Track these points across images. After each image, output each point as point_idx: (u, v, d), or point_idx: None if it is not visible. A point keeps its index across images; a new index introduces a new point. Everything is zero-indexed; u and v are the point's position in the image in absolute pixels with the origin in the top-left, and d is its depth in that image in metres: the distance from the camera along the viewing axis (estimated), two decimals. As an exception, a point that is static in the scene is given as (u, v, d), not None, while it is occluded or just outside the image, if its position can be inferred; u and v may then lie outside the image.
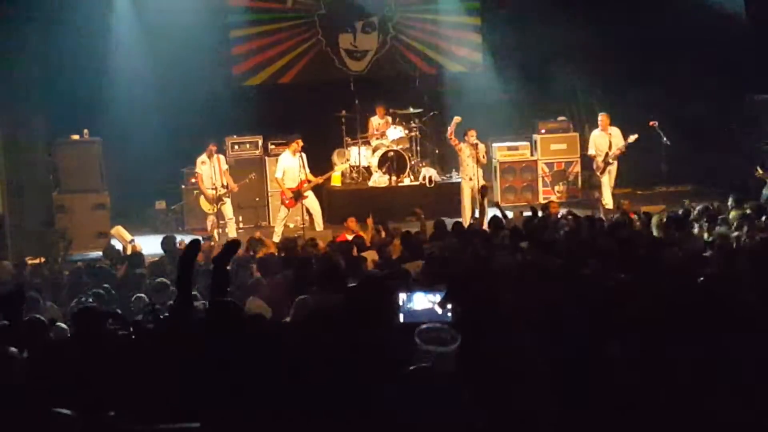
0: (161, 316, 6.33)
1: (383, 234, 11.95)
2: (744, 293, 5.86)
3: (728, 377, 4.34)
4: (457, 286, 5.31)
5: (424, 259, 8.92)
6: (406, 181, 16.53)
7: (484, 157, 15.09)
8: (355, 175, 16.86)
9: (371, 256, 10.15)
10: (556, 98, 17.85)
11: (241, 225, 15.68)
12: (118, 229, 14.27)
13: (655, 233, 10.01)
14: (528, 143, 17.54)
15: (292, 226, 15.12)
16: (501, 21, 17.79)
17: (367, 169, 16.76)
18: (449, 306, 5.11)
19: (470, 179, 14.92)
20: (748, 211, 10.64)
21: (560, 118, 17.72)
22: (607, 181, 15.44)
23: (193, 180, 15.52)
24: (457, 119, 15.09)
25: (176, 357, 4.88)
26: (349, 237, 12.19)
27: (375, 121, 17.03)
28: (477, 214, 14.30)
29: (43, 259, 12.32)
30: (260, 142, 16.80)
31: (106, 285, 9.31)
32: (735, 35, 16.31)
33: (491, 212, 13.32)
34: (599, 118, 15.68)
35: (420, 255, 9.44)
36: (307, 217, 14.90)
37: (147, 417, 4.26)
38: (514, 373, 4.18)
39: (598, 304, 5.52)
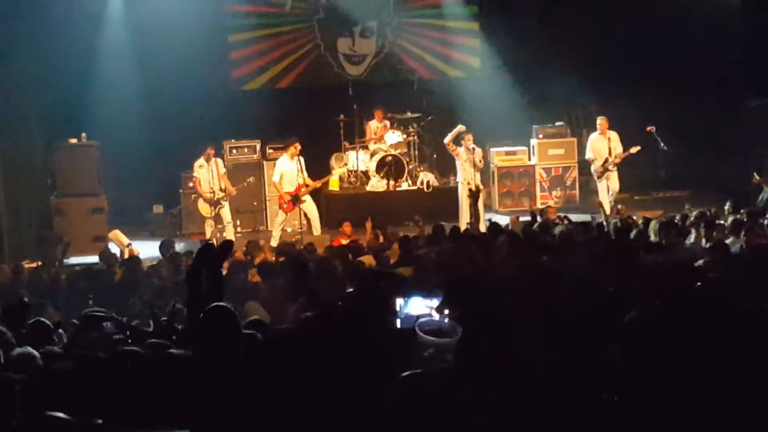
0: (161, 320, 6.33)
1: (381, 239, 11.94)
2: (741, 297, 5.86)
3: (728, 377, 4.34)
4: (454, 291, 5.30)
5: (415, 264, 8.91)
6: (404, 186, 16.53)
7: (481, 161, 15.08)
8: (353, 179, 16.86)
9: (368, 261, 10.15)
10: (554, 103, 17.87)
11: (239, 229, 15.66)
12: (116, 233, 14.26)
13: (652, 238, 10.03)
14: (526, 148, 17.57)
15: (289, 230, 15.11)
16: (499, 26, 17.81)
17: (365, 173, 16.75)
18: (446, 311, 5.10)
19: (468, 183, 14.90)
20: (744, 218, 10.65)
21: (558, 123, 17.75)
22: (604, 187, 15.34)
23: (191, 184, 15.51)
24: (460, 128, 15.01)
25: (176, 360, 4.88)
26: (344, 242, 12.19)
27: (373, 125, 17.03)
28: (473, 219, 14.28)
29: (40, 263, 12.30)
30: (258, 147, 16.80)
31: (103, 289, 9.30)
32: (733, 40, 16.34)
33: (488, 216, 13.32)
34: (598, 121, 15.62)
35: (415, 259, 9.43)
36: (304, 222, 14.89)
37: (143, 422, 4.26)
38: (512, 374, 4.17)
39: (597, 306, 5.52)
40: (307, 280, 8.16)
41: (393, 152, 16.51)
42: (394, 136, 16.71)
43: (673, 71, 16.77)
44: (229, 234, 14.77)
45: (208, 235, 14.74)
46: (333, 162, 17.05)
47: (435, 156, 17.34)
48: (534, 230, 11.06)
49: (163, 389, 4.70)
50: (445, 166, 16.99)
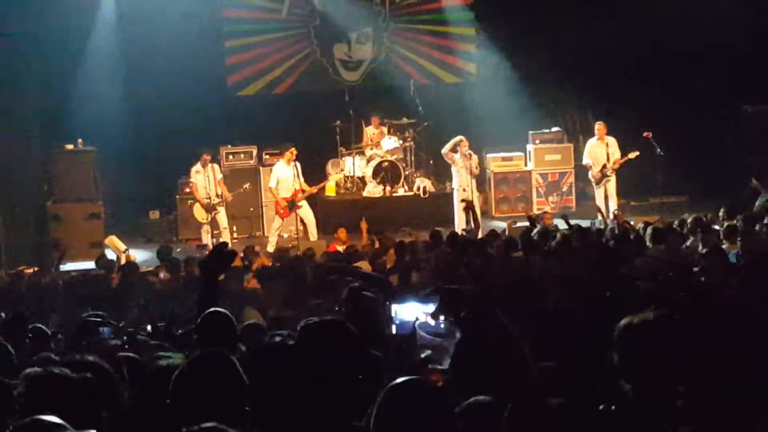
0: (159, 325, 6.33)
1: (377, 244, 11.94)
2: (738, 301, 5.88)
3: (725, 381, 4.34)
4: (451, 297, 5.30)
5: (411, 269, 8.92)
6: (401, 192, 16.53)
7: (477, 167, 15.08)
8: (349, 185, 16.87)
9: (364, 266, 10.14)
10: (551, 109, 17.88)
11: (235, 234, 15.66)
12: (112, 239, 14.25)
13: (648, 243, 10.03)
14: (522, 154, 17.57)
15: (286, 236, 15.10)
16: (495, 32, 17.83)
17: (362, 179, 16.76)
18: (442, 318, 5.09)
19: (464, 190, 14.89)
20: (739, 223, 10.65)
21: (554, 129, 17.73)
22: (602, 193, 15.33)
23: (188, 189, 15.52)
24: (460, 139, 14.99)
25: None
26: (339, 247, 12.19)
27: (369, 131, 17.04)
28: (470, 225, 14.26)
29: (36, 269, 12.29)
30: (255, 152, 16.78)
31: (100, 295, 9.29)
32: (731, 46, 16.36)
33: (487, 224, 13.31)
34: (596, 126, 15.60)
35: (414, 265, 9.43)
36: (301, 227, 14.89)
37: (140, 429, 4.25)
38: (509, 379, 4.17)
39: (595, 310, 5.53)
40: (304, 289, 8.15)
41: (389, 158, 16.52)
42: (391, 142, 16.73)
43: (671, 77, 16.78)
44: (226, 240, 14.75)
45: (204, 241, 14.74)
46: (329, 168, 17.06)
47: (431, 162, 17.33)
48: (532, 235, 11.04)
49: (159, 396, 4.69)
50: (442, 172, 16.99)
